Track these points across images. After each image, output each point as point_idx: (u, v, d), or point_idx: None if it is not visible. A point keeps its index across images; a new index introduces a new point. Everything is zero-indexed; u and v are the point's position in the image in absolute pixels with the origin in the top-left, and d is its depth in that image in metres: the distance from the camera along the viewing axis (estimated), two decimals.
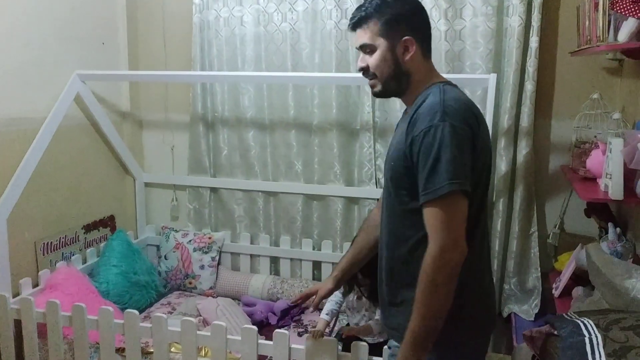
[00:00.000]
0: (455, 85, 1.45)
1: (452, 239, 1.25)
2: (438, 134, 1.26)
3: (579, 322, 1.13)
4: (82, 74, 2.72)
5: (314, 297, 1.87)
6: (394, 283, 1.46)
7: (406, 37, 1.41)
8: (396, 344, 1.45)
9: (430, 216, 1.27)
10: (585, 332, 1.06)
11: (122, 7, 3.09)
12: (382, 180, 2.89)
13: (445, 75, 2.53)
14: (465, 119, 1.29)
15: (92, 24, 2.89)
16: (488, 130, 1.42)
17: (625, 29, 1.80)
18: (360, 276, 2.19)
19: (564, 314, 1.25)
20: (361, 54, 1.50)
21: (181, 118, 3.21)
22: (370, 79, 1.49)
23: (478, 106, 1.45)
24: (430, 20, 2.58)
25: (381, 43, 1.43)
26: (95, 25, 2.92)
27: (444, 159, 1.25)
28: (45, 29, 2.59)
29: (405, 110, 1.53)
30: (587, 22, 2.12)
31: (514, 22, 2.51)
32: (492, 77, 2.13)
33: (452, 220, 1.25)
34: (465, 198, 1.26)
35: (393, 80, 1.46)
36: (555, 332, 1.16)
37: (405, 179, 1.35)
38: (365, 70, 1.49)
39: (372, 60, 1.45)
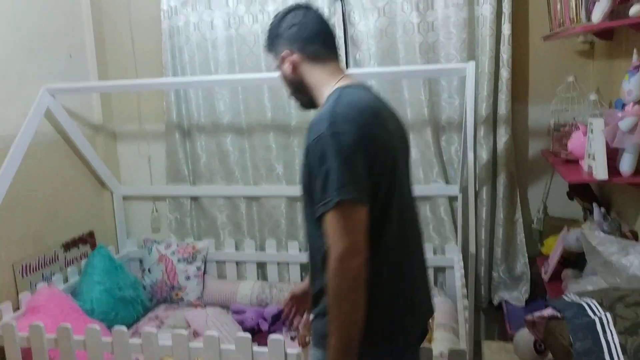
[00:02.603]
0: (361, 87, 1.42)
1: (348, 246, 1.21)
2: (324, 144, 1.24)
3: (582, 302, 1.12)
4: (50, 88, 2.64)
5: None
6: (313, 291, 1.44)
7: (281, 53, 1.47)
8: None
9: (326, 227, 1.24)
10: (590, 313, 1.05)
11: (88, 18, 3.01)
12: None
13: (421, 67, 2.56)
14: (353, 124, 1.26)
15: (57, 36, 2.81)
16: (391, 129, 1.39)
17: (599, 9, 1.81)
18: None
19: (563, 296, 1.24)
20: None
21: (156, 127, 3.14)
22: None
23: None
24: (402, 13, 2.61)
25: (275, 63, 1.53)
26: (61, 38, 2.84)
27: (331, 169, 1.22)
28: (9, 43, 2.51)
29: None
30: (558, 6, 2.14)
31: (486, 10, 2.52)
32: (471, 65, 2.12)
33: (346, 228, 1.21)
34: (360, 205, 1.23)
35: (297, 93, 1.52)
36: (559, 315, 1.15)
37: (310, 188, 1.33)
38: None
39: None
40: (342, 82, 1.42)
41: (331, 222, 1.22)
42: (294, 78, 1.49)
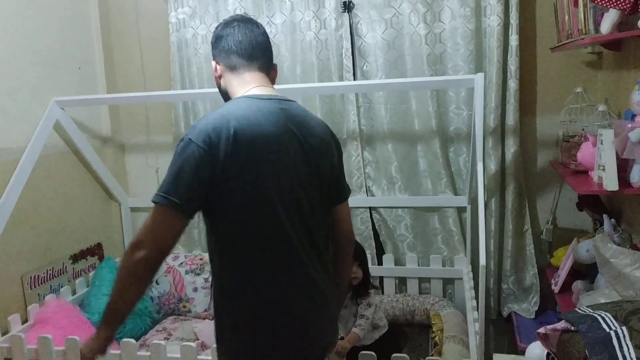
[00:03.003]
0: (260, 98, 1.44)
1: (139, 240, 1.30)
2: (178, 146, 1.33)
3: (595, 315, 1.11)
4: (60, 100, 2.66)
5: None
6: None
7: (213, 61, 1.55)
8: None
9: None
10: (605, 326, 1.04)
11: (97, 31, 3.04)
12: (373, 188, 2.88)
13: (430, 79, 2.56)
14: (205, 135, 1.31)
15: (66, 48, 2.83)
16: (275, 146, 1.39)
17: (607, 20, 1.82)
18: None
19: (577, 309, 1.23)
20: None
21: (164, 139, 3.15)
22: None
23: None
24: (409, 25, 2.61)
25: None
26: (70, 51, 2.86)
27: (168, 171, 1.32)
28: (18, 56, 2.53)
29: None
30: (566, 17, 2.14)
31: (493, 22, 2.52)
32: (479, 77, 2.11)
33: (149, 226, 1.31)
34: (171, 212, 1.29)
35: (225, 99, 1.56)
36: (573, 328, 1.14)
37: None
38: None
39: None
40: (249, 92, 1.46)
41: (147, 217, 1.33)
42: (220, 87, 1.56)
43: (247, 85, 1.48)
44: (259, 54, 1.51)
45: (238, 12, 2.83)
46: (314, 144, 1.46)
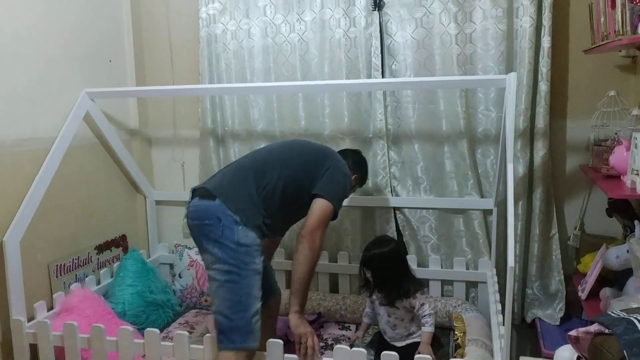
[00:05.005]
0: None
1: None
2: None
3: (631, 318, 1.08)
4: (90, 92, 2.69)
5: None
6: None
7: None
8: None
9: None
10: None
11: (128, 24, 3.08)
12: (398, 188, 2.86)
13: (461, 78, 2.55)
14: None
15: (98, 41, 2.88)
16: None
17: None
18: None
19: (610, 312, 1.20)
20: None
21: (191, 134, 3.18)
22: None
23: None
24: (440, 24, 2.61)
25: None
26: (101, 43, 2.90)
27: None
28: (51, 48, 2.57)
29: None
30: (602, 18, 2.10)
31: (525, 23, 2.49)
32: (512, 77, 2.07)
33: None
34: None
35: None
36: (606, 331, 1.12)
37: None
38: None
39: None
40: None
41: None
42: None
43: None
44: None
45: (268, 9, 2.84)
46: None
